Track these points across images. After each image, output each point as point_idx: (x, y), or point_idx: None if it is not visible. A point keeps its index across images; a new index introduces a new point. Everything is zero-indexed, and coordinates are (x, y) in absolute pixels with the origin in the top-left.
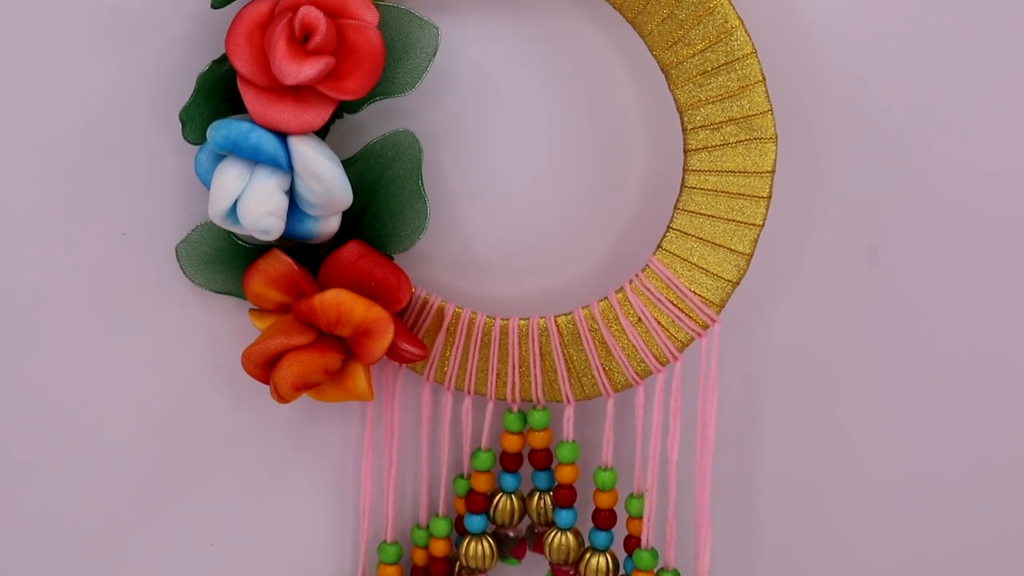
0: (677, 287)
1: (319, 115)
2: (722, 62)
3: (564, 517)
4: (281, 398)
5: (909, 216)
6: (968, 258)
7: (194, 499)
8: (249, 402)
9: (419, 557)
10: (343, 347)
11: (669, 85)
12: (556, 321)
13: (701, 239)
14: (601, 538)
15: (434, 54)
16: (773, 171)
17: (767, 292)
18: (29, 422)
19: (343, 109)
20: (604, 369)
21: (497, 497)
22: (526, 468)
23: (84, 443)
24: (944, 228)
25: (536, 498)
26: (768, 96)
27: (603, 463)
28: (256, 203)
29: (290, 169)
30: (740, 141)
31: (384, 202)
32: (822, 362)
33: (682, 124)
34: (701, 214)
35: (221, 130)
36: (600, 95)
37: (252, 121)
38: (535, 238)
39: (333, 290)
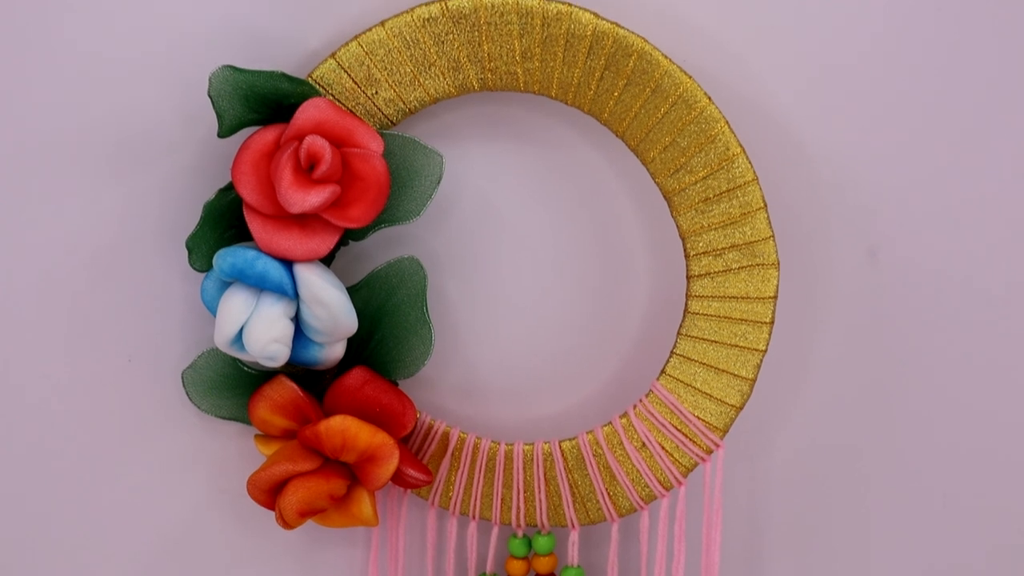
0: (681, 412)
1: (325, 243)
2: (724, 189)
3: None
4: (287, 524)
5: (913, 341)
6: (971, 379)
7: None
8: (254, 528)
9: None
10: (348, 473)
11: (672, 212)
12: (560, 446)
13: (704, 364)
14: None
15: (438, 182)
16: (775, 297)
17: (770, 417)
18: (35, 548)
19: (348, 236)
20: (609, 494)
21: None
22: None
23: (90, 567)
24: (947, 349)
25: None
26: (770, 222)
27: None
28: (262, 330)
29: (296, 296)
30: (742, 267)
31: (389, 328)
32: (825, 487)
33: (685, 250)
34: (704, 339)
35: (227, 257)
36: (603, 221)
37: (258, 249)
38: (539, 363)
39: (338, 416)
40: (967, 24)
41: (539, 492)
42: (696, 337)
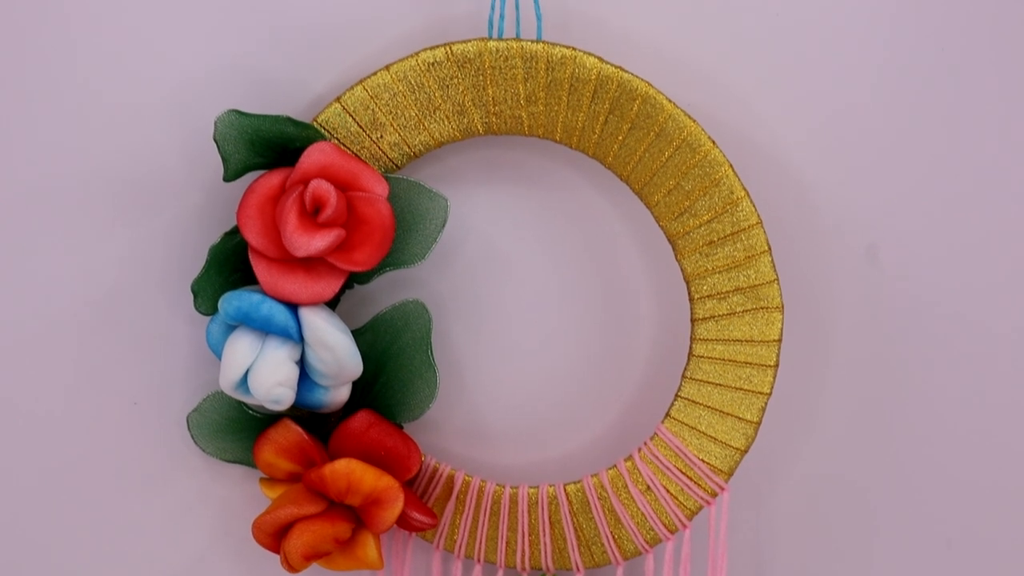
0: (685, 455)
1: (330, 286)
2: (728, 232)
3: None
4: (291, 567)
5: (919, 384)
6: (982, 420)
7: None
8: (260, 571)
9: None
10: (353, 516)
11: (676, 255)
12: (565, 489)
13: (709, 407)
14: None
15: (443, 225)
16: (780, 340)
17: (775, 460)
18: None
19: (353, 280)
20: (614, 537)
21: None
22: None
23: None
24: (954, 393)
25: None
26: (774, 266)
27: None
28: (267, 373)
29: (301, 339)
30: (747, 310)
31: (394, 371)
32: (831, 530)
33: (689, 294)
34: (709, 383)
35: (233, 301)
36: (607, 265)
37: (263, 292)
38: (544, 406)
39: (343, 460)
40: (970, 66)
41: (544, 535)
42: (701, 380)
